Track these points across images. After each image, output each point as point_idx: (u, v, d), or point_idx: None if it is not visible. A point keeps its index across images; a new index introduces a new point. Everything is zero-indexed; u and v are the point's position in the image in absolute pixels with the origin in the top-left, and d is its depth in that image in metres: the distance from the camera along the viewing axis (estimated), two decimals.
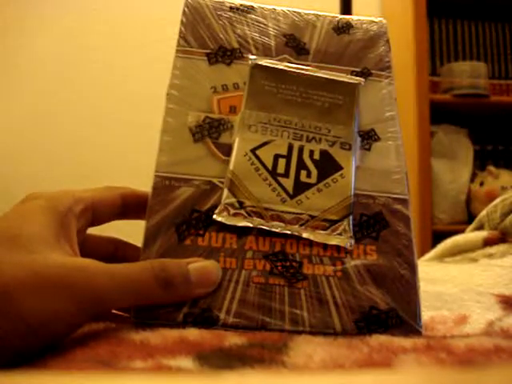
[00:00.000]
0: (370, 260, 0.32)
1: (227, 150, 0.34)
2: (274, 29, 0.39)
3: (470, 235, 0.71)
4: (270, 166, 0.34)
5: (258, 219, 0.32)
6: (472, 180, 1.54)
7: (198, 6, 0.39)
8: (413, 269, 0.33)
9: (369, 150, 0.36)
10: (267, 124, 0.35)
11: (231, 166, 0.34)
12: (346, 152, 0.35)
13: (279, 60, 0.38)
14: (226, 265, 0.31)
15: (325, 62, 0.38)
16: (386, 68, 0.39)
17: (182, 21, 0.38)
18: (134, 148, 1.61)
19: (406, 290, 0.32)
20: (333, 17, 0.40)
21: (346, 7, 1.29)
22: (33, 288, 0.26)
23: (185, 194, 0.33)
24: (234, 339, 0.26)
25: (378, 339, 0.27)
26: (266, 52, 0.38)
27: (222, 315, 0.30)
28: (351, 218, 0.33)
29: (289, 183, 0.34)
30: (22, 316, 0.26)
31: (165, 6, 1.63)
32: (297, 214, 0.33)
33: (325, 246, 0.32)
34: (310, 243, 0.32)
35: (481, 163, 1.61)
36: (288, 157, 0.34)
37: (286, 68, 0.37)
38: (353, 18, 0.41)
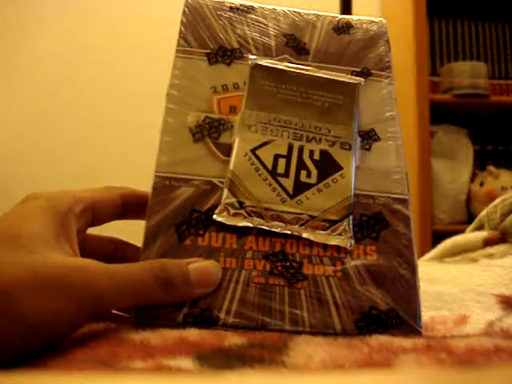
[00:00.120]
0: (370, 260, 0.32)
1: (227, 149, 0.34)
2: (274, 29, 0.39)
3: (470, 235, 0.71)
4: (270, 166, 0.34)
5: (258, 219, 0.32)
6: (472, 180, 1.54)
7: (197, 6, 0.39)
8: (413, 269, 0.33)
9: (369, 150, 0.36)
10: (267, 124, 0.35)
11: (231, 166, 0.34)
12: (346, 152, 0.35)
13: (279, 60, 0.38)
14: (226, 265, 0.31)
15: (325, 62, 0.38)
16: (386, 68, 0.39)
17: (182, 21, 0.38)
18: (134, 148, 1.61)
19: (406, 290, 0.32)
20: (333, 17, 0.40)
21: (346, 7, 1.29)
22: (33, 288, 0.26)
23: (185, 193, 0.33)
24: (234, 339, 0.26)
25: (378, 339, 0.27)
26: (266, 52, 0.38)
27: (222, 315, 0.30)
28: (351, 218, 0.33)
29: (289, 183, 0.34)
30: (22, 316, 0.26)
31: (165, 6, 1.63)
32: (297, 214, 0.33)
33: (325, 246, 0.32)
34: (310, 243, 0.32)
35: (481, 163, 1.61)
36: (288, 157, 0.34)
37: (286, 68, 0.37)
38: (353, 17, 0.41)
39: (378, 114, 0.37)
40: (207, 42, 0.38)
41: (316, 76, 0.37)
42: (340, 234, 0.33)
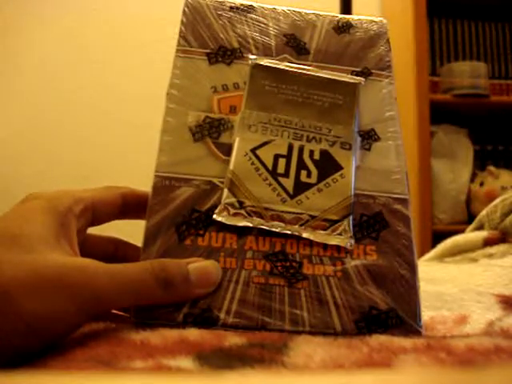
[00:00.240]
0: (370, 260, 0.32)
1: (227, 149, 0.34)
2: (274, 28, 0.39)
3: (470, 235, 0.71)
4: (270, 166, 0.34)
5: (258, 219, 0.32)
6: (472, 180, 1.54)
7: (198, 5, 0.39)
8: (413, 269, 0.33)
9: (369, 149, 0.36)
10: (267, 124, 0.35)
11: (231, 166, 0.34)
12: (346, 152, 0.35)
13: (279, 60, 0.38)
14: (226, 265, 0.31)
15: (325, 62, 0.38)
16: (386, 68, 0.39)
17: (182, 21, 0.38)
18: (134, 148, 1.61)
19: (406, 290, 0.32)
20: (333, 16, 0.40)
21: (346, 7, 1.29)
22: (33, 288, 0.26)
23: (185, 193, 0.33)
24: (234, 339, 0.26)
25: (378, 339, 0.27)
26: (266, 52, 0.38)
27: (222, 315, 0.30)
28: (351, 218, 0.33)
29: (289, 183, 0.34)
30: (22, 316, 0.25)
31: (165, 6, 1.63)
32: (297, 213, 0.33)
33: (325, 246, 0.32)
34: (310, 243, 0.32)
35: (481, 163, 1.61)
36: (288, 157, 0.34)
37: (286, 68, 0.37)
38: (353, 17, 0.41)
39: (378, 114, 0.37)
40: (207, 41, 0.37)
41: (316, 76, 0.37)
42: (340, 234, 0.33)
